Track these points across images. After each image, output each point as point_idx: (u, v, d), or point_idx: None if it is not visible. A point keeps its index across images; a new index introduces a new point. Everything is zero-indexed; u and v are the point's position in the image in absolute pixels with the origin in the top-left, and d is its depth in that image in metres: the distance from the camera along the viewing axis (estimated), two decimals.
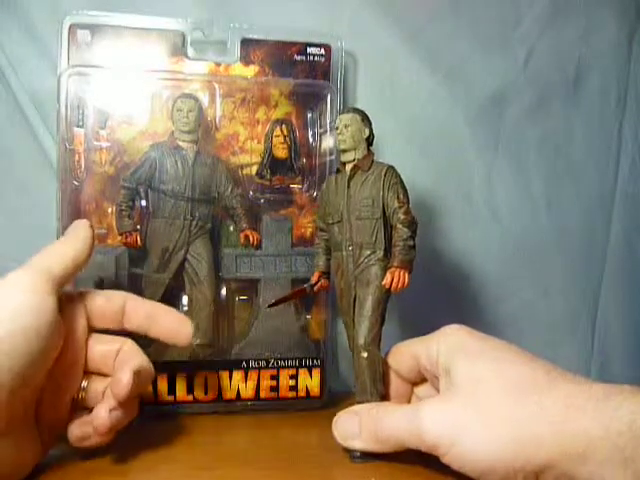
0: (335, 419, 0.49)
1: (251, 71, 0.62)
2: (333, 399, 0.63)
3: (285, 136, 0.62)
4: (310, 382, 0.63)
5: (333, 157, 0.63)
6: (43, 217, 0.60)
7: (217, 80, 0.61)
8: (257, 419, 0.58)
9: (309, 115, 0.64)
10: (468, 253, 0.75)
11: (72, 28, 0.57)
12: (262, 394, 0.61)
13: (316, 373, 0.63)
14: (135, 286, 0.58)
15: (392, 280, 0.51)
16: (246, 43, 0.61)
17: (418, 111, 0.72)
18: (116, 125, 0.59)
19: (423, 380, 0.52)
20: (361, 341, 0.51)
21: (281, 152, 0.62)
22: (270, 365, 0.62)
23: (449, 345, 0.47)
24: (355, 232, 0.53)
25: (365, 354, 0.51)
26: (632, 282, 0.79)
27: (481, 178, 0.75)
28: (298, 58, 0.63)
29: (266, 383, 0.61)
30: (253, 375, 0.61)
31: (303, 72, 0.63)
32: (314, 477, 0.48)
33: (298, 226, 0.63)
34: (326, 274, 0.58)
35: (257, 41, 0.62)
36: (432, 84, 0.72)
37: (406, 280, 0.51)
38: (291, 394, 0.62)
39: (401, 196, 0.53)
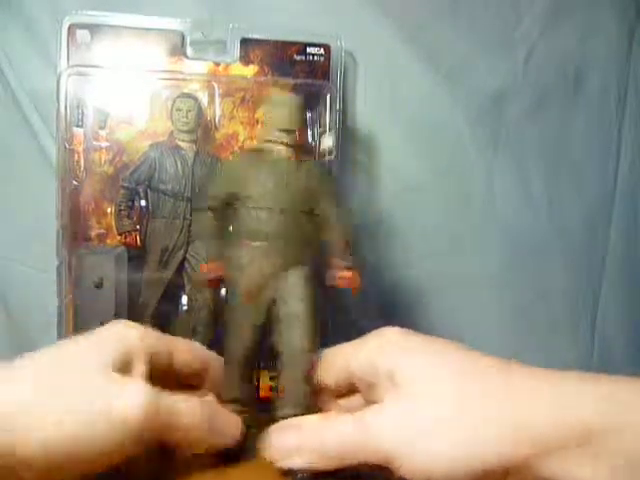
0: (267, 437, 0.43)
1: (250, 71, 0.62)
2: None
3: None
4: None
5: (332, 157, 0.63)
6: (43, 217, 0.60)
7: (216, 80, 0.61)
8: (257, 419, 0.58)
9: (308, 115, 0.64)
10: (467, 253, 0.75)
11: (71, 28, 0.57)
12: (262, 394, 0.61)
13: None
14: (134, 287, 0.58)
15: (347, 280, 0.48)
16: (245, 43, 0.61)
17: (418, 111, 0.72)
18: (115, 125, 0.59)
19: (349, 391, 0.47)
20: (299, 347, 0.47)
21: None
22: (270, 365, 0.61)
23: (389, 346, 0.43)
24: (285, 224, 0.49)
25: (305, 361, 0.47)
26: (632, 282, 0.79)
27: (481, 178, 0.75)
28: (298, 58, 0.63)
29: (266, 383, 0.61)
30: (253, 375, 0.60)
31: (302, 72, 0.63)
32: None
33: None
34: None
35: (257, 41, 0.62)
36: (432, 84, 0.72)
37: (360, 280, 0.49)
38: None
39: (337, 191, 0.51)
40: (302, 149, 0.52)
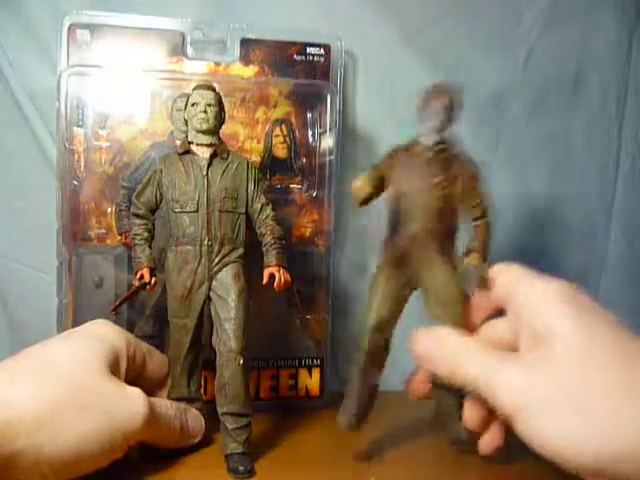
0: (416, 336, 0.43)
1: (250, 71, 0.62)
2: (333, 399, 0.62)
3: (285, 136, 0.62)
4: (310, 382, 0.63)
5: (333, 157, 0.63)
6: (43, 217, 0.60)
7: (217, 80, 0.60)
8: (257, 419, 0.58)
9: (309, 115, 0.64)
10: None
11: (72, 28, 0.57)
12: (262, 394, 0.61)
13: (316, 373, 0.63)
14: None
15: (277, 279, 0.49)
16: (246, 43, 0.61)
17: None
18: (116, 125, 0.59)
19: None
20: (236, 345, 0.48)
21: (281, 152, 0.63)
22: (270, 365, 0.61)
23: (550, 300, 0.39)
24: (215, 225, 0.50)
25: (241, 360, 0.48)
26: (632, 282, 0.79)
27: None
28: (297, 58, 0.63)
29: (266, 383, 0.61)
30: (253, 375, 0.60)
31: (302, 72, 0.63)
32: (314, 477, 0.48)
33: (298, 226, 0.63)
34: (152, 270, 0.51)
35: (257, 41, 0.62)
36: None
37: (288, 279, 0.50)
38: (291, 394, 0.62)
39: (265, 192, 0.52)
40: (225, 148, 0.52)
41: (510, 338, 0.43)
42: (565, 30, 0.75)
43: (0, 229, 0.65)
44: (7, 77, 0.63)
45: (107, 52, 0.58)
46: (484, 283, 0.47)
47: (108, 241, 0.59)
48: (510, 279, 0.44)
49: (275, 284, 0.49)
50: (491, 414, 0.42)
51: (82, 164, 0.58)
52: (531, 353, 0.39)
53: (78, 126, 0.58)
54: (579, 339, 0.37)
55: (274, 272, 0.50)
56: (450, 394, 0.47)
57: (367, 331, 0.48)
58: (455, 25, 0.72)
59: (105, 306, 0.57)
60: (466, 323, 0.48)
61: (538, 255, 0.77)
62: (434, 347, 0.42)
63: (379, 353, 0.49)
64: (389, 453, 0.52)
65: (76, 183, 0.58)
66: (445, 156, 0.49)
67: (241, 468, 0.46)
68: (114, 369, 0.44)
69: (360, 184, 0.47)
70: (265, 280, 0.50)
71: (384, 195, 0.50)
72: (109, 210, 0.59)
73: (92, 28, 0.58)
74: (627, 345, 0.37)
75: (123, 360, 0.46)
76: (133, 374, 0.48)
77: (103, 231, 0.59)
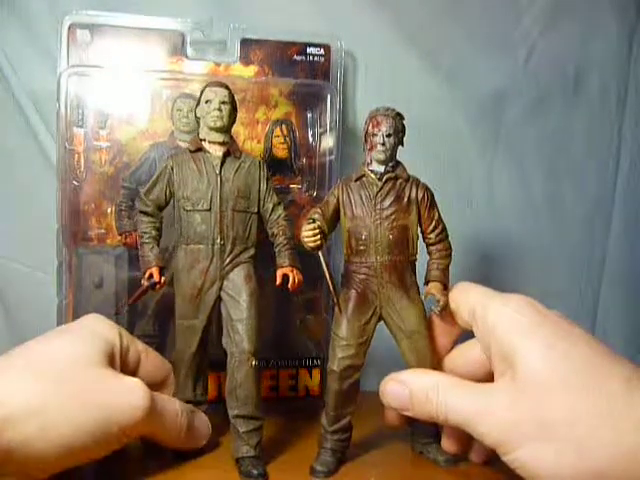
0: (382, 386, 0.45)
1: (251, 71, 0.62)
2: None
3: (285, 136, 0.62)
4: (310, 382, 0.63)
5: (333, 157, 0.63)
6: (43, 217, 0.60)
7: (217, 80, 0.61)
8: None
9: (309, 115, 0.64)
10: (468, 253, 0.75)
11: (72, 28, 0.57)
12: (262, 394, 0.61)
13: (316, 373, 0.63)
14: (135, 287, 0.58)
15: (291, 280, 0.49)
16: (246, 43, 0.61)
17: (418, 111, 0.72)
18: (116, 125, 0.59)
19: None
20: (249, 346, 0.47)
21: (281, 152, 0.63)
22: (270, 365, 0.61)
23: (511, 322, 0.42)
24: (227, 225, 0.49)
25: (254, 361, 0.47)
26: (632, 282, 0.79)
27: (481, 178, 0.75)
28: (298, 58, 0.63)
29: (266, 383, 0.61)
30: None
31: (303, 72, 0.63)
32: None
33: (298, 226, 0.63)
34: (161, 269, 0.50)
35: (257, 41, 0.62)
36: (432, 84, 0.72)
37: (301, 279, 0.50)
38: (291, 394, 0.62)
39: (276, 191, 0.52)
40: (237, 147, 0.51)
41: (482, 362, 0.45)
42: (565, 30, 0.75)
43: (0, 229, 0.65)
44: (7, 77, 0.64)
45: (107, 52, 0.58)
46: (445, 311, 0.48)
47: (108, 241, 0.59)
48: (473, 300, 0.46)
49: (289, 285, 0.49)
50: (470, 438, 0.43)
51: (82, 164, 0.58)
52: (503, 381, 0.40)
53: (78, 126, 0.58)
54: (544, 365, 0.39)
55: (288, 273, 0.49)
56: (424, 424, 0.47)
57: (335, 377, 0.47)
58: (455, 25, 0.72)
59: (105, 306, 0.57)
60: (434, 352, 0.49)
61: (537, 255, 0.77)
62: (404, 393, 0.44)
63: (350, 393, 0.48)
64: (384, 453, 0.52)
65: (76, 183, 0.58)
66: (396, 184, 0.49)
67: (254, 472, 0.45)
68: (109, 361, 0.44)
69: (310, 234, 0.46)
70: (278, 281, 0.49)
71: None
72: (109, 210, 0.59)
73: (92, 28, 0.58)
74: (590, 360, 0.39)
75: (117, 353, 0.45)
76: (127, 371, 0.47)
77: (103, 231, 0.59)
